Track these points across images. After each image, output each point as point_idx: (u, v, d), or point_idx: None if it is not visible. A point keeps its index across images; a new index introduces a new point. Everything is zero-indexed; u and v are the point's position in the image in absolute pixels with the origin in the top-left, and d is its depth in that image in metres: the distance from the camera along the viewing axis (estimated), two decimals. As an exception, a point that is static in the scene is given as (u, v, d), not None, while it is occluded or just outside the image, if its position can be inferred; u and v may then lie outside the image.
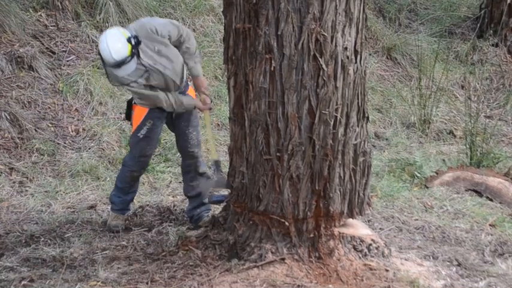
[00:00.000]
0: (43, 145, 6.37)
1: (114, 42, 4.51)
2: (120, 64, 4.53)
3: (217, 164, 5.01)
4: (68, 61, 7.29)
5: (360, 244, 4.20)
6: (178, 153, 6.60)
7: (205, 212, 5.09)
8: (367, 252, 4.20)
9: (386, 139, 7.75)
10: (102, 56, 4.58)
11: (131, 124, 5.10)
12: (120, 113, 7.00)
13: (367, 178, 4.21)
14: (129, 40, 4.54)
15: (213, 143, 5.12)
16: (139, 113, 4.94)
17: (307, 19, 3.84)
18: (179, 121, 5.02)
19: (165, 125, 5.15)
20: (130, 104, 5.03)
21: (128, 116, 5.08)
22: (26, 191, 5.85)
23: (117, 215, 5.14)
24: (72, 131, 6.70)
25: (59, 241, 4.87)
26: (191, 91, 5.09)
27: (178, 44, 4.85)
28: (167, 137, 6.41)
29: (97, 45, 7.46)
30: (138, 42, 4.59)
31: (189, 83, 5.12)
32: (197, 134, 5.03)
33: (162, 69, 4.75)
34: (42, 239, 4.88)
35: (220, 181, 4.84)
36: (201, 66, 5.13)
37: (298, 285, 3.86)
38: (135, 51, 4.56)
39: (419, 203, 5.74)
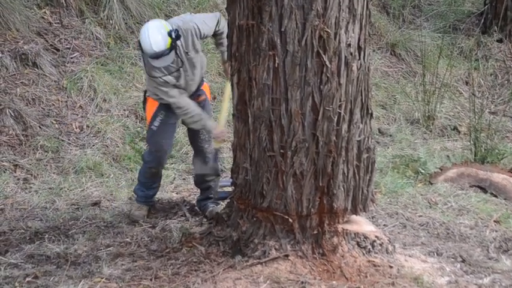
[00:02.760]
0: (47, 142, 6.38)
1: (155, 33, 4.61)
2: (158, 56, 4.63)
3: (216, 152, 5.21)
4: (72, 58, 7.30)
5: (363, 241, 4.19)
6: (182, 150, 6.65)
7: (211, 203, 5.25)
8: (371, 249, 4.19)
9: (390, 135, 7.74)
10: (142, 46, 4.67)
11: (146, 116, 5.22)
12: (124, 110, 7.00)
13: (370, 174, 4.20)
14: (169, 33, 4.64)
15: (224, 117, 5.12)
16: (152, 105, 5.04)
17: (311, 16, 3.83)
18: None
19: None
20: (145, 95, 5.13)
21: (144, 107, 5.18)
22: (30, 187, 5.86)
23: (140, 206, 5.27)
24: (76, 128, 6.71)
25: (63, 238, 4.87)
26: (205, 87, 5.21)
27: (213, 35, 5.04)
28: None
29: (101, 42, 7.52)
30: (178, 36, 4.69)
31: (204, 79, 5.21)
32: None
33: (188, 78, 4.92)
34: (47, 235, 4.90)
35: (213, 168, 5.17)
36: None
37: (302, 282, 3.85)
38: (174, 45, 4.66)
39: (423, 199, 5.73)
